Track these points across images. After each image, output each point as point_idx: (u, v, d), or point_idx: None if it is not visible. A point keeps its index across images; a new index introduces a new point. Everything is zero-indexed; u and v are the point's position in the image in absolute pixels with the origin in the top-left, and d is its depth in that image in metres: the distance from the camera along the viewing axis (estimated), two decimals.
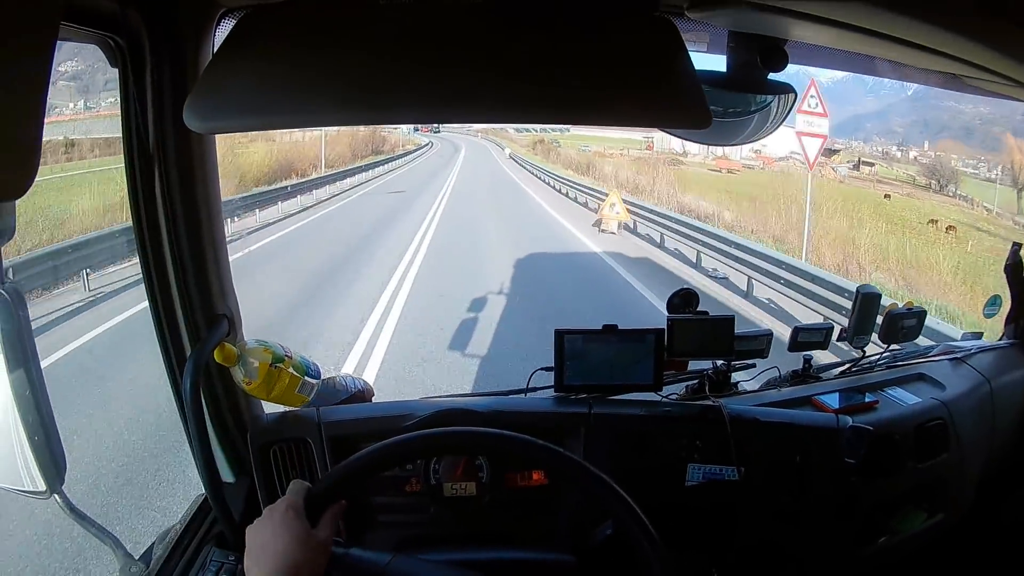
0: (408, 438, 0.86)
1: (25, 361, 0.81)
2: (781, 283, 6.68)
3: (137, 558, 1.05)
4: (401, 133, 46.55)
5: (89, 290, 7.05)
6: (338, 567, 0.76)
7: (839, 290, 5.78)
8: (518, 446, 0.90)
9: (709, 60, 1.23)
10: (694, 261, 9.07)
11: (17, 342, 0.80)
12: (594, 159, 31.17)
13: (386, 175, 24.17)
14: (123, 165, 0.99)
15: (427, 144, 46.58)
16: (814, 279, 6.25)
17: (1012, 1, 0.90)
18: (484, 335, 5.48)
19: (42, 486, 0.84)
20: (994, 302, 1.67)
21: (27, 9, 0.52)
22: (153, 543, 1.11)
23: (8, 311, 0.80)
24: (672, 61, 0.77)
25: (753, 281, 7.29)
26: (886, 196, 21.25)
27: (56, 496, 0.87)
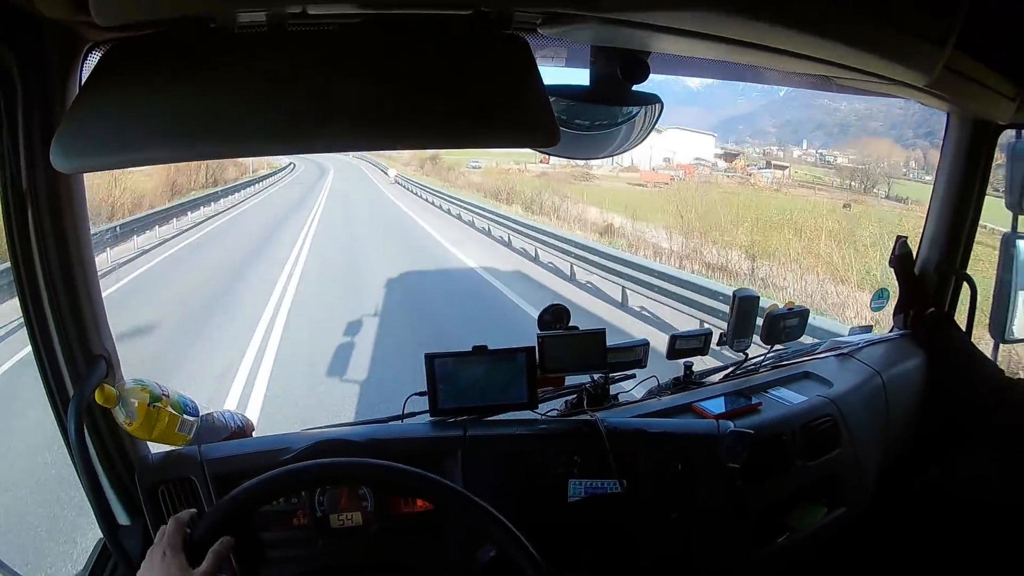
0: (278, 473, 0.87)
1: None
2: (656, 291, 7.06)
3: None
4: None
5: None
6: None
7: (715, 295, 6.10)
8: (390, 474, 0.92)
9: (573, 75, 1.26)
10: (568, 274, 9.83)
11: None
12: (497, 178, 29.11)
13: (210, 221, 16.57)
14: None
15: (287, 167, 40.02)
16: (692, 287, 6.60)
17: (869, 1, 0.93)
18: (361, 363, 5.61)
19: None
20: (881, 295, 1.71)
21: None
22: None
23: None
24: (522, 80, 0.79)
25: (628, 292, 7.70)
26: (846, 206, 20.64)
27: None
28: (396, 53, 0.76)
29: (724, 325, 1.46)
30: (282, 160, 41.56)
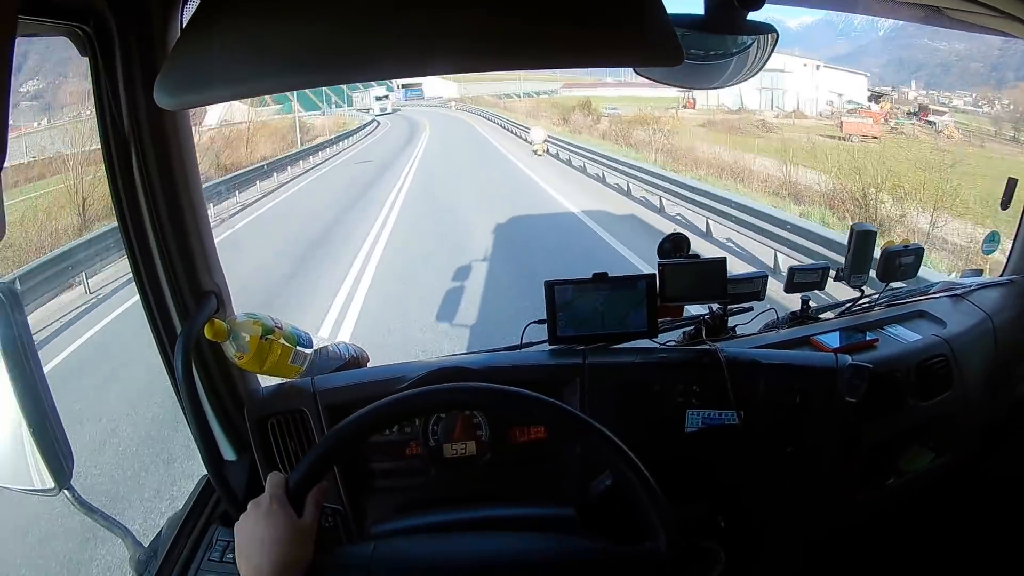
0: (375, 407, 0.84)
1: (25, 362, 0.82)
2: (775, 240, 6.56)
3: (147, 545, 1.05)
4: (331, 114, 39.94)
5: (90, 292, 7.32)
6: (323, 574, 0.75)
7: (828, 243, 5.70)
8: (507, 398, 0.88)
9: (687, 3, 1.22)
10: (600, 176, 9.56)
11: (15, 343, 0.81)
12: (651, 129, 21.92)
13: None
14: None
15: (371, 123, 34.36)
16: (804, 232, 6.18)
17: None
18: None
19: (51, 483, 0.85)
20: (992, 238, 1.65)
21: None
22: (161, 528, 1.11)
23: (3, 312, 0.81)
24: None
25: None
26: None
27: (65, 492, 0.88)
28: None
29: None
30: (359, 116, 39.06)
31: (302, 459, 0.85)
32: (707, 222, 8.08)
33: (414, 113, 42.74)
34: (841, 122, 22.00)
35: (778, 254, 6.42)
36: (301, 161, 18.92)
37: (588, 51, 0.75)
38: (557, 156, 16.33)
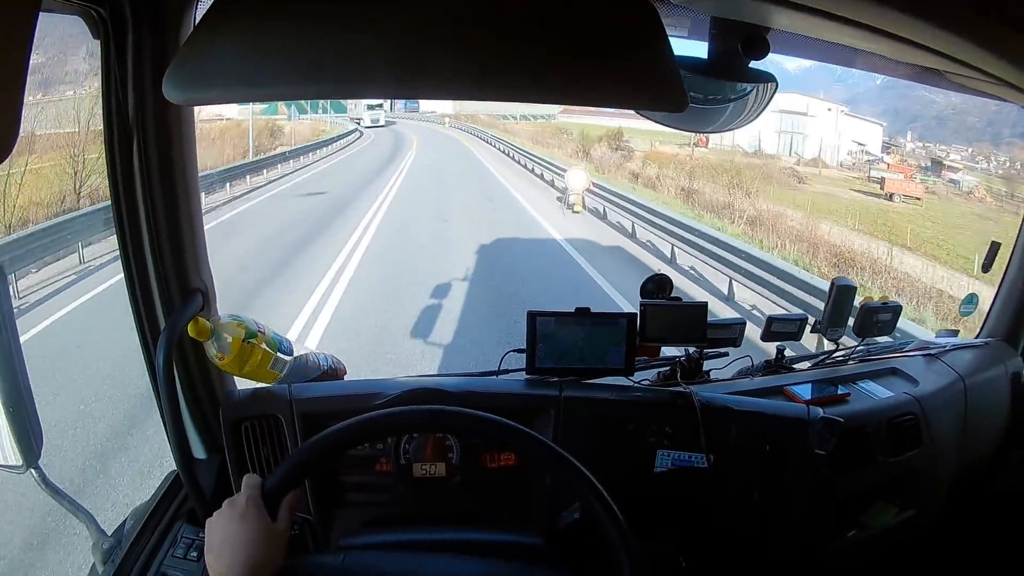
0: (358, 421, 0.85)
1: (4, 336, 0.81)
2: (764, 287, 6.38)
3: (110, 533, 1.04)
4: (310, 120, 33.19)
5: (83, 262, 7.48)
6: None
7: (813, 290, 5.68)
8: (486, 425, 0.90)
9: (690, 46, 1.24)
10: (668, 256, 8.25)
11: None
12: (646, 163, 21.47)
13: None
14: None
15: (351, 133, 30.03)
16: (793, 280, 6.11)
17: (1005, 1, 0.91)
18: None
19: (18, 460, 0.85)
20: (970, 300, 1.69)
21: None
22: (125, 519, 1.10)
23: None
24: (651, 43, 0.78)
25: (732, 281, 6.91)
26: None
27: (32, 471, 0.87)
28: (528, 4, 0.75)
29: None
30: (342, 124, 34.86)
31: (280, 464, 0.86)
32: None
33: (405, 127, 38.31)
34: (883, 179, 20.35)
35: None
36: (229, 185, 13.38)
37: (595, 90, 0.77)
38: (601, 214, 10.74)
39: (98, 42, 0.93)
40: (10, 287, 0.85)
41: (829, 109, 27.91)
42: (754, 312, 6.27)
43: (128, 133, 0.95)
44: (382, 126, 37.09)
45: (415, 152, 23.08)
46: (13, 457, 0.85)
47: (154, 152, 0.97)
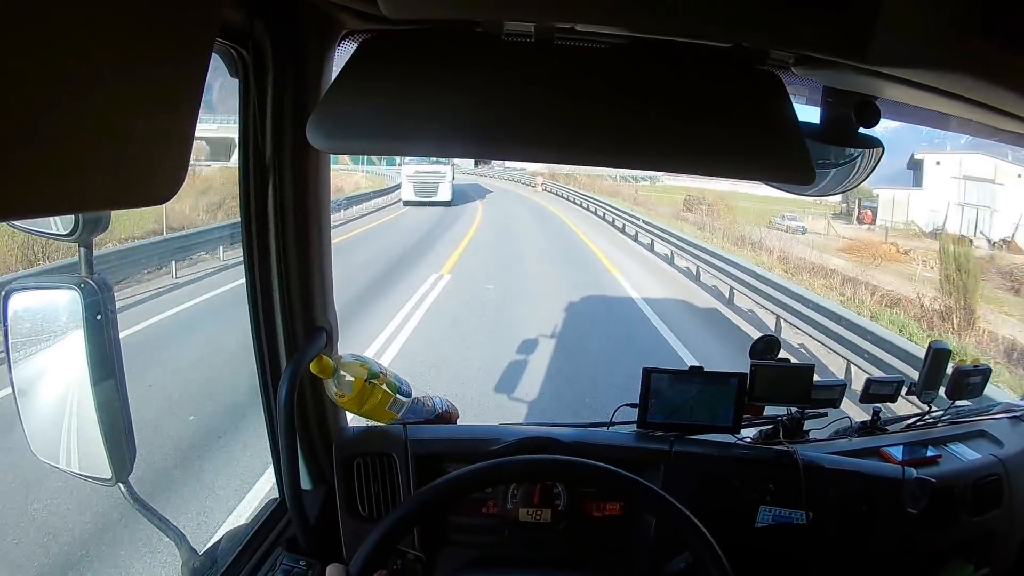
0: (447, 481, 0.92)
1: (108, 352, 0.84)
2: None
3: (201, 553, 1.07)
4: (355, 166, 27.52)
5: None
6: None
7: (899, 352, 5.43)
8: (606, 477, 0.97)
9: (803, 111, 1.27)
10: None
11: (101, 334, 0.83)
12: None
13: None
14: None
15: (394, 190, 21.27)
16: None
17: None
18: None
19: (109, 474, 0.87)
20: None
21: (186, 26, 0.55)
22: (220, 540, 1.13)
23: (95, 302, 0.83)
24: (778, 116, 0.80)
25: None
26: None
27: (121, 485, 0.89)
28: (655, 77, 0.78)
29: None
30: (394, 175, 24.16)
31: (365, 541, 0.89)
32: None
33: (472, 187, 27.92)
34: None
35: None
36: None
37: (726, 162, 0.80)
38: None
39: (236, 80, 0.95)
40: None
41: (1020, 175, 20.15)
42: None
43: (264, 171, 0.98)
44: (440, 202, 19.66)
45: (481, 218, 17.50)
46: (105, 471, 0.87)
47: (289, 193, 0.99)
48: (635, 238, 15.03)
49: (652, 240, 13.65)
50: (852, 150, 1.21)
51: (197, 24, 0.56)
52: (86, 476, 0.89)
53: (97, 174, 0.48)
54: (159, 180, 0.55)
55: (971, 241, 15.69)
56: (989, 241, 18.45)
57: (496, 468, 0.99)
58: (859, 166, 1.25)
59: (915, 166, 22.46)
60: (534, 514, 1.22)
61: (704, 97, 0.79)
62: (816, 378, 1.32)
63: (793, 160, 0.79)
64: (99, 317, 0.83)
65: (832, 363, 6.29)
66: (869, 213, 22.63)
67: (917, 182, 22.20)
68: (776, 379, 1.27)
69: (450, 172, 19.91)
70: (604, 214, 19.05)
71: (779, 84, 0.81)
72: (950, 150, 21.19)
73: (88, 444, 0.87)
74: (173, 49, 0.53)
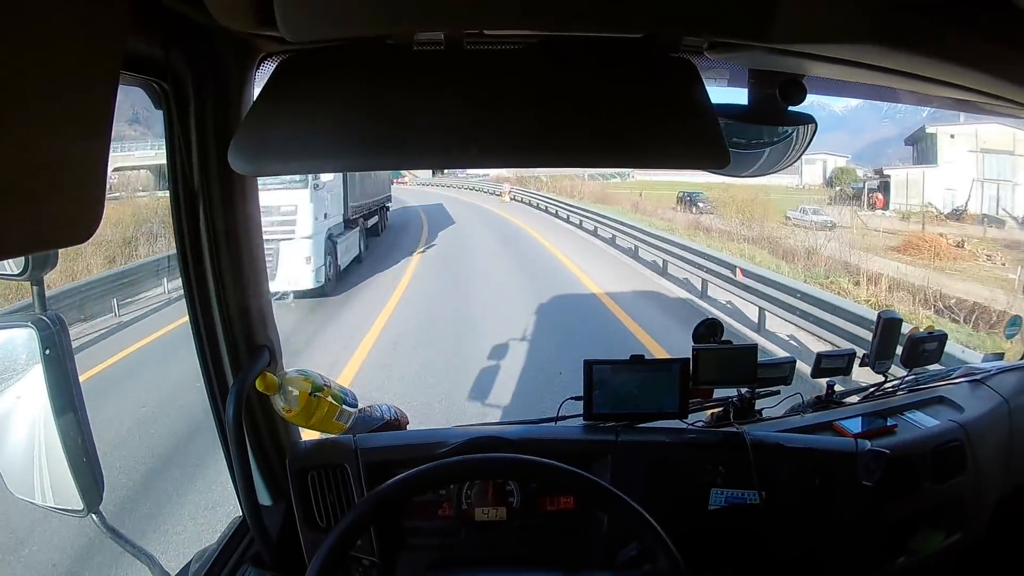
0: (397, 482, 0.94)
1: (67, 385, 0.87)
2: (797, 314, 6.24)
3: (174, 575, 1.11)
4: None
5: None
6: None
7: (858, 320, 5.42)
8: (548, 472, 0.98)
9: (730, 94, 1.28)
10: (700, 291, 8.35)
11: (60, 367, 0.86)
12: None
13: None
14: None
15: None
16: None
17: (1016, 30, 0.93)
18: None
19: (80, 505, 0.89)
20: (1014, 322, 1.69)
21: (89, 59, 0.55)
22: (189, 562, 1.16)
23: (51, 337, 0.86)
24: (692, 102, 0.81)
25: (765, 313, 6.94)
26: None
27: (93, 516, 0.92)
28: (569, 73, 0.78)
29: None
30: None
31: (317, 550, 0.91)
32: None
33: (429, 198, 24.35)
34: None
35: None
36: None
37: (638, 153, 0.81)
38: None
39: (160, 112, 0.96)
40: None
41: None
42: None
43: (194, 199, 1.00)
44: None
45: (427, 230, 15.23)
46: (75, 502, 0.89)
47: (220, 218, 1.01)
48: (663, 271, 10.19)
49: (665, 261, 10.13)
50: (785, 128, 1.22)
51: (100, 58, 0.56)
52: (59, 509, 0.92)
53: (8, 218, 0.48)
54: (76, 218, 0.55)
55: None
56: (1009, 215, 17.12)
57: (439, 469, 1.01)
58: (794, 143, 1.26)
59: (923, 141, 20.64)
60: (489, 513, 1.24)
61: (619, 89, 0.79)
62: (763, 358, 1.33)
63: (707, 144, 0.80)
64: (50, 352, 0.87)
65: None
66: (880, 196, 19.88)
67: (928, 159, 20.13)
68: (720, 362, 1.27)
69: (315, 206, 8.62)
70: (601, 230, 14.13)
71: (693, 70, 0.81)
72: (963, 121, 18.67)
73: (58, 477, 0.89)
74: (75, 84, 0.53)
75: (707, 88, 0.90)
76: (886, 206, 19.39)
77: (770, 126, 1.19)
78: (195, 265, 1.04)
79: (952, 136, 19.49)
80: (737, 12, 0.75)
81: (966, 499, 1.42)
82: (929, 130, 20.15)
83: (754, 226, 16.43)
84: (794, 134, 1.22)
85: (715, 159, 0.80)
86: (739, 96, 1.18)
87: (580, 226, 15.87)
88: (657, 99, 0.80)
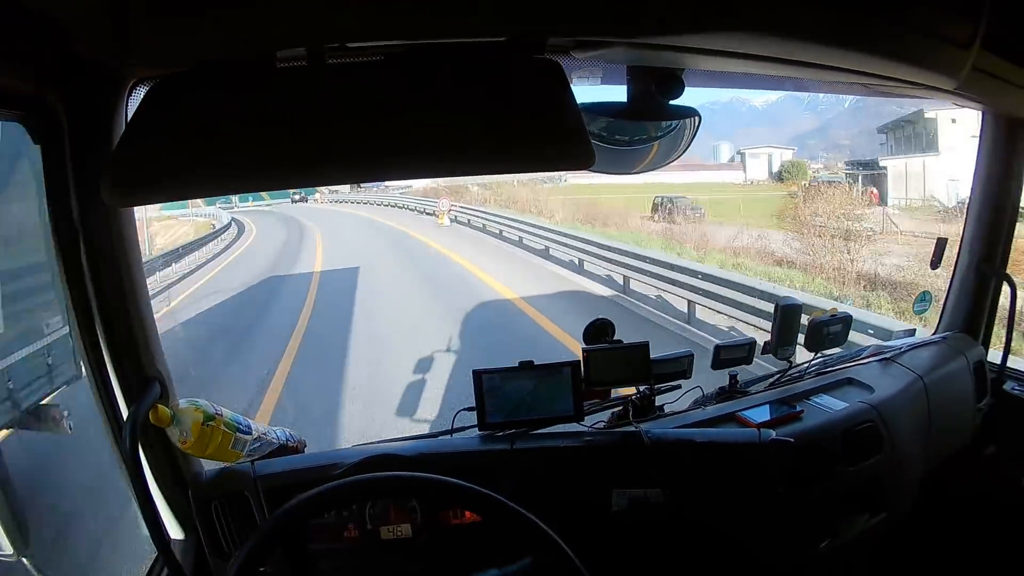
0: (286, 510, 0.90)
1: None
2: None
3: None
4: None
5: None
6: None
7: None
8: (431, 487, 0.96)
9: (611, 92, 1.28)
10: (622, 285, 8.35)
11: None
12: None
13: None
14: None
15: (226, 227, 19.14)
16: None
17: (897, 9, 0.95)
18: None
19: (8, 550, 0.88)
20: (924, 298, 1.70)
21: None
22: None
23: None
24: (556, 103, 0.81)
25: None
26: None
27: (24, 560, 0.91)
28: (433, 81, 0.78)
29: None
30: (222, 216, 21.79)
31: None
32: None
33: (297, 212, 22.46)
34: None
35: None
36: None
37: (508, 158, 0.80)
38: None
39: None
40: None
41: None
42: None
43: (74, 235, 0.98)
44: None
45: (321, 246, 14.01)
46: (5, 547, 0.87)
47: (100, 252, 1.00)
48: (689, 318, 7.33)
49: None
50: (669, 123, 1.23)
51: None
52: None
53: None
54: None
55: None
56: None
57: (324, 493, 0.98)
58: (681, 136, 1.26)
59: (916, 126, 19.26)
60: (394, 531, 1.21)
61: (485, 94, 0.79)
62: (658, 354, 1.32)
63: (573, 145, 0.80)
64: None
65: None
66: (875, 191, 17.41)
67: (927, 147, 18.44)
68: (611, 361, 1.26)
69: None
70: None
71: (558, 70, 0.81)
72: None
73: None
74: None
75: (582, 88, 0.90)
76: (883, 201, 17.24)
77: (653, 121, 1.20)
78: (80, 302, 1.03)
79: (953, 120, 17.64)
80: (599, 10, 0.75)
81: (885, 478, 1.41)
82: (928, 115, 18.59)
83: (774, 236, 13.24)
84: (679, 127, 1.23)
85: (580, 158, 0.80)
86: (619, 94, 1.20)
87: (582, 268, 10.14)
88: (522, 102, 0.80)
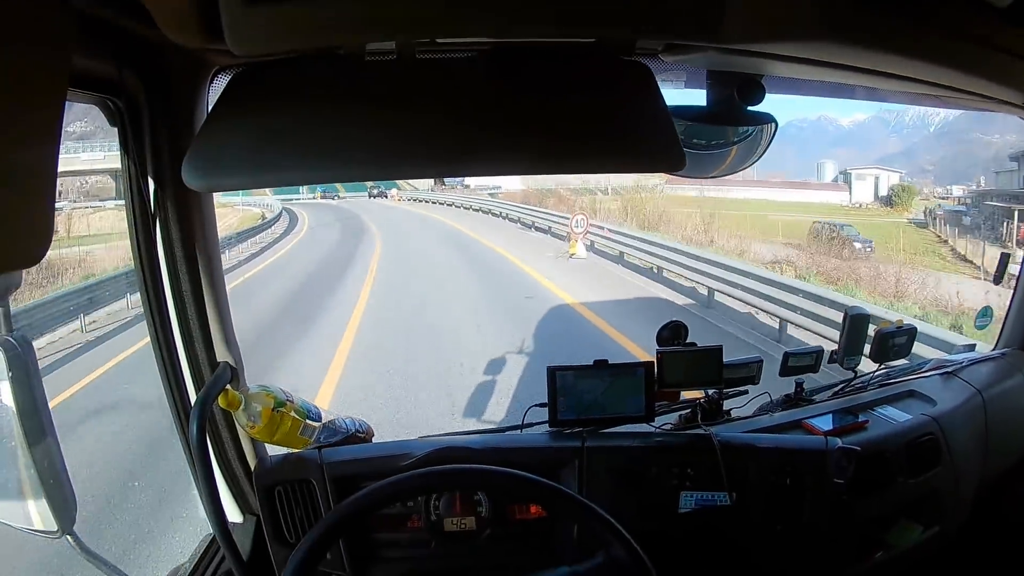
0: (357, 499, 0.91)
1: (35, 406, 0.85)
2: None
3: None
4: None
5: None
6: None
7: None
8: (504, 480, 0.96)
9: (691, 95, 1.27)
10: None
11: (27, 388, 0.84)
12: None
13: None
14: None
15: (277, 217, 18.81)
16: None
17: (970, 24, 0.93)
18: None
19: (54, 527, 0.87)
20: (985, 313, 1.69)
21: (34, 77, 0.54)
22: None
23: (18, 358, 0.84)
24: (646, 105, 0.80)
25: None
26: None
27: (68, 537, 0.90)
28: (522, 80, 0.78)
29: None
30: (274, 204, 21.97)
31: (284, 568, 0.89)
32: None
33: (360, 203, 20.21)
34: None
35: None
36: None
37: (605, 159, 0.80)
38: None
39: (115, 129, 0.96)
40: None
41: None
42: None
43: (151, 217, 0.99)
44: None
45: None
46: (49, 523, 0.87)
47: (176, 235, 1.00)
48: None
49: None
50: (746, 128, 1.22)
51: (45, 76, 0.56)
52: (31, 530, 0.90)
53: None
54: (26, 240, 0.55)
55: None
56: None
57: (401, 482, 0.98)
58: (757, 142, 1.25)
59: None
60: (459, 523, 1.23)
61: (573, 94, 0.78)
62: (730, 358, 1.32)
63: (663, 147, 0.79)
64: (16, 374, 0.85)
65: None
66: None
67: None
68: (685, 364, 1.26)
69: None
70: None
71: (647, 73, 0.81)
72: None
73: (31, 498, 0.87)
74: (20, 103, 0.53)
75: (664, 90, 0.89)
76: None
77: (731, 126, 1.19)
78: (153, 284, 1.04)
79: None
80: (688, 14, 0.74)
81: (943, 491, 1.42)
82: None
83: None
84: (756, 133, 1.22)
85: (671, 161, 0.79)
86: (698, 98, 1.18)
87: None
88: (611, 103, 0.79)
